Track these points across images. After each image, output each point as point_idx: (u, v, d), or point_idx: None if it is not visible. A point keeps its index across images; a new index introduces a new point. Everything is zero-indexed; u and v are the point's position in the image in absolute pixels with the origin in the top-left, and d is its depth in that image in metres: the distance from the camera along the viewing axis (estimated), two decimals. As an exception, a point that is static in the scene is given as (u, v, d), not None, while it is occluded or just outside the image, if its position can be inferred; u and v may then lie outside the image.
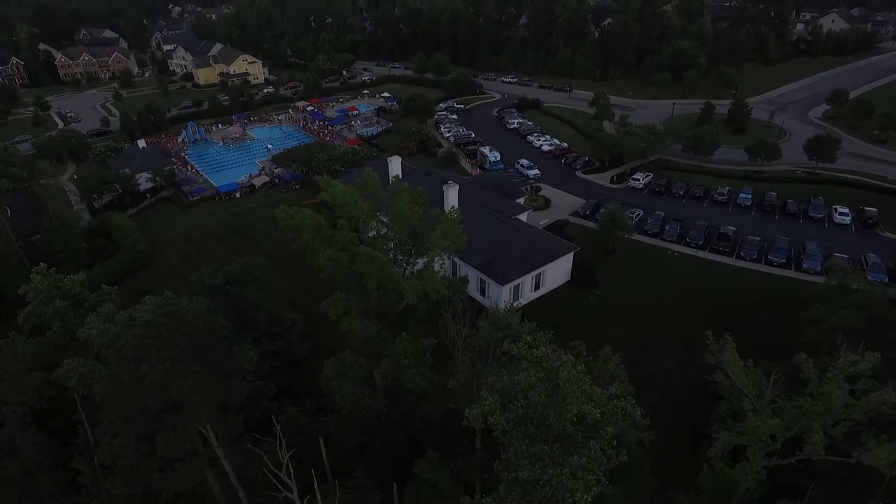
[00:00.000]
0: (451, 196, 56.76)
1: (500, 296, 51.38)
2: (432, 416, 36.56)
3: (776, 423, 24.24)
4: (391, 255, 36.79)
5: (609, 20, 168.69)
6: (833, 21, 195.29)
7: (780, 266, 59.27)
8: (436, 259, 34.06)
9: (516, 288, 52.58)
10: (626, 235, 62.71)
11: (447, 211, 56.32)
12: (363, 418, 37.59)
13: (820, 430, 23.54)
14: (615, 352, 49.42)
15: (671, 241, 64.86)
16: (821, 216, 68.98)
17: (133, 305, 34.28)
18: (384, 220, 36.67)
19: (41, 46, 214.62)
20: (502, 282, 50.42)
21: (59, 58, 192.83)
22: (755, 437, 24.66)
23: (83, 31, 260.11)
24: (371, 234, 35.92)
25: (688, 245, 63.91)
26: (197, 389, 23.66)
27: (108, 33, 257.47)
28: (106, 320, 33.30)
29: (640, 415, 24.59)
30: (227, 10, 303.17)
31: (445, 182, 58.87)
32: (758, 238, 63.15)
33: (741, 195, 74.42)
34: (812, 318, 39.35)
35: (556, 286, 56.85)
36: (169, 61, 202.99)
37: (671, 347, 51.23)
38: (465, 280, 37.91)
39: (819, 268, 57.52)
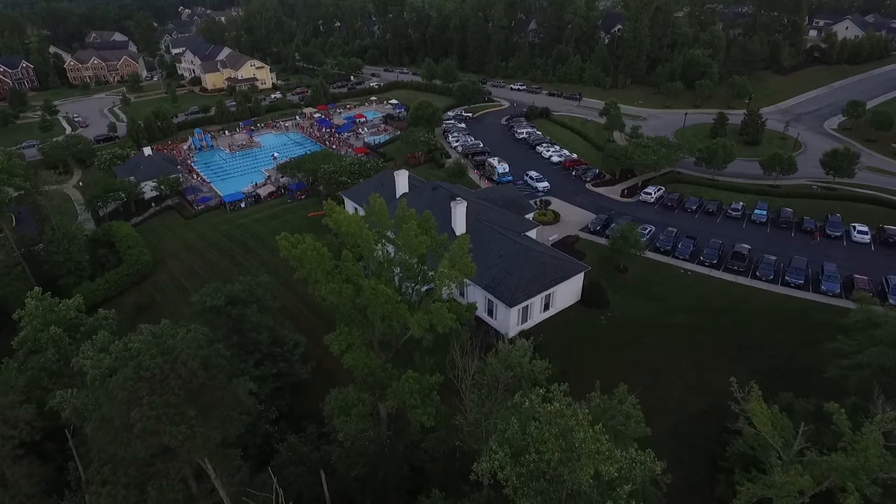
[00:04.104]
0: (459, 213, 55.45)
1: (509, 318, 49.95)
2: (438, 450, 35.26)
3: (806, 480, 22.64)
4: (397, 282, 35.52)
5: (619, 27, 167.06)
6: (847, 28, 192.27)
7: (797, 287, 57.39)
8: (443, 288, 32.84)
9: (525, 309, 51.12)
10: (638, 253, 61.05)
11: (457, 235, 55.51)
12: (366, 450, 36.34)
13: (854, 489, 21.96)
14: (627, 380, 48.05)
15: (684, 259, 63.14)
16: (839, 234, 67.02)
17: (129, 334, 33.25)
18: (391, 236, 35.38)
19: (51, 49, 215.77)
20: (510, 304, 48.98)
21: (69, 61, 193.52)
22: (783, 493, 23.12)
23: (93, 34, 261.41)
24: (377, 252, 34.53)
25: (701, 263, 62.17)
26: (190, 436, 22.43)
27: (118, 36, 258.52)
28: (101, 349, 32.27)
29: (662, 469, 23.08)
30: (236, 14, 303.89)
31: (453, 198, 57.53)
32: (773, 257, 61.32)
33: (756, 211, 72.57)
34: (836, 352, 37.51)
35: (565, 306, 55.32)
36: (177, 65, 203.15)
37: (684, 372, 49.57)
38: (472, 307, 36.46)
39: (838, 290, 55.69)
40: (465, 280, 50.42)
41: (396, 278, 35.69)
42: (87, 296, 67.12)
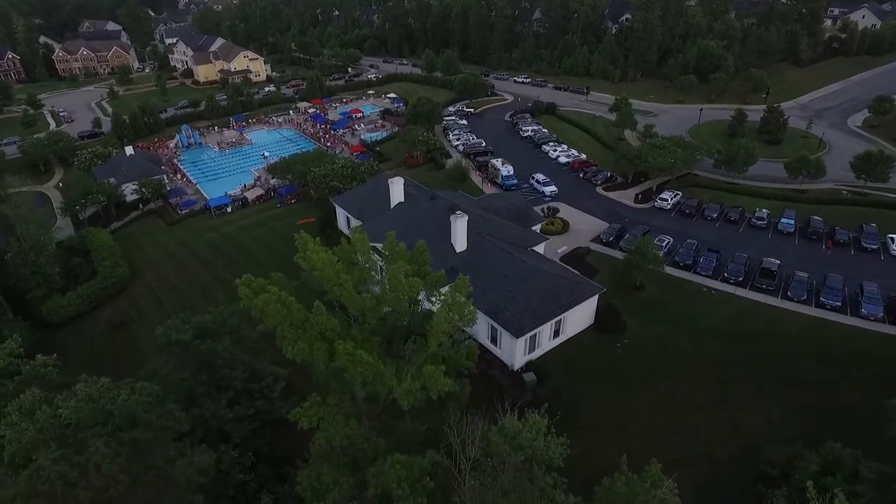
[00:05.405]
0: (460, 228, 49.90)
1: (515, 348, 44.62)
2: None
3: None
4: (384, 315, 30.17)
5: (627, 16, 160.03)
6: (864, 16, 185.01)
7: (833, 310, 51.79)
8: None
9: (532, 338, 45.72)
10: (658, 269, 55.45)
11: (457, 253, 50.00)
12: (350, 518, 31.21)
13: None
14: (646, 419, 42.98)
15: (706, 276, 57.51)
16: (875, 247, 61.25)
17: (64, 393, 27.96)
18: (376, 276, 29.90)
19: (42, 39, 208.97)
20: (517, 334, 43.61)
21: (57, 52, 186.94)
22: None
23: (86, 24, 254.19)
24: (361, 296, 29.22)
25: (726, 281, 56.53)
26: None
27: (112, 25, 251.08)
28: (29, 412, 26.98)
29: None
30: (233, 1, 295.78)
31: (453, 210, 51.92)
32: (805, 274, 55.64)
33: (783, 220, 66.69)
34: (902, 410, 32.06)
35: (577, 332, 49.91)
36: (170, 56, 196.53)
37: (711, 410, 44.19)
38: (472, 352, 31.13)
39: (881, 313, 50.10)
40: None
41: (385, 310, 30.42)
42: (58, 311, 62.61)
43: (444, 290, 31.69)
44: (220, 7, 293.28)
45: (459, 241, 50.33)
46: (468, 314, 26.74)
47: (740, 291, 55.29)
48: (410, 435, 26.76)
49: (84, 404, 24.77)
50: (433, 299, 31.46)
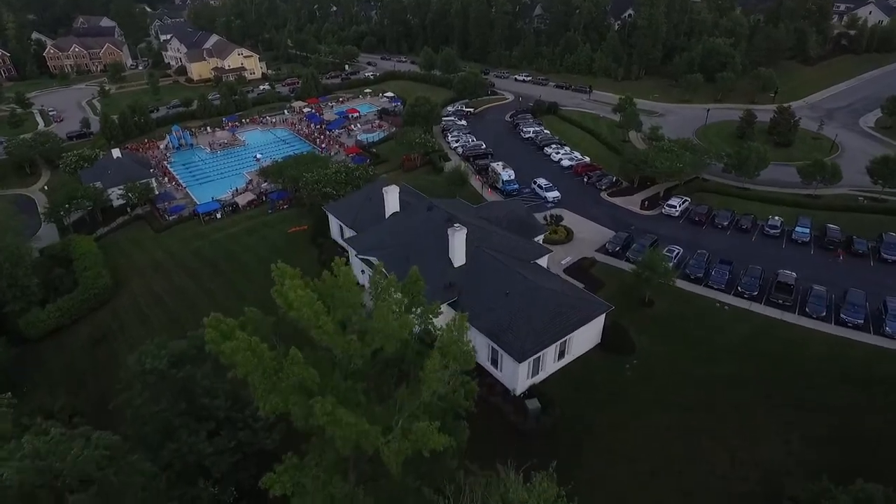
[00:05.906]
0: (458, 242, 46.79)
1: (517, 373, 41.64)
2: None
3: None
4: (372, 353, 27.18)
5: (630, 12, 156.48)
6: (870, 13, 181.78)
7: (855, 328, 48.78)
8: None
9: (536, 361, 42.74)
10: (668, 283, 52.41)
11: (455, 268, 46.97)
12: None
13: None
14: (660, 448, 40.06)
15: (719, 290, 54.44)
16: (896, 258, 58.30)
17: (14, 441, 24.94)
18: (363, 314, 26.81)
19: (34, 36, 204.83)
20: (520, 358, 40.63)
21: (49, 49, 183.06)
22: None
23: (80, 19, 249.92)
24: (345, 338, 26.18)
25: (739, 295, 53.50)
26: None
27: (106, 21, 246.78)
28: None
29: None
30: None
31: (451, 221, 48.82)
32: (824, 289, 52.56)
33: (797, 228, 63.53)
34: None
35: (583, 352, 46.92)
36: (164, 53, 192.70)
37: (727, 438, 41.24)
38: (472, 390, 28.09)
39: (907, 332, 47.13)
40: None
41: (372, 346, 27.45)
42: (35, 325, 59.55)
43: (440, 322, 28.79)
44: (216, 2, 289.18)
45: (458, 255, 47.26)
46: (465, 355, 23.72)
47: (755, 307, 52.26)
48: (403, 488, 23.83)
49: (29, 462, 21.79)
50: (429, 327, 28.63)
